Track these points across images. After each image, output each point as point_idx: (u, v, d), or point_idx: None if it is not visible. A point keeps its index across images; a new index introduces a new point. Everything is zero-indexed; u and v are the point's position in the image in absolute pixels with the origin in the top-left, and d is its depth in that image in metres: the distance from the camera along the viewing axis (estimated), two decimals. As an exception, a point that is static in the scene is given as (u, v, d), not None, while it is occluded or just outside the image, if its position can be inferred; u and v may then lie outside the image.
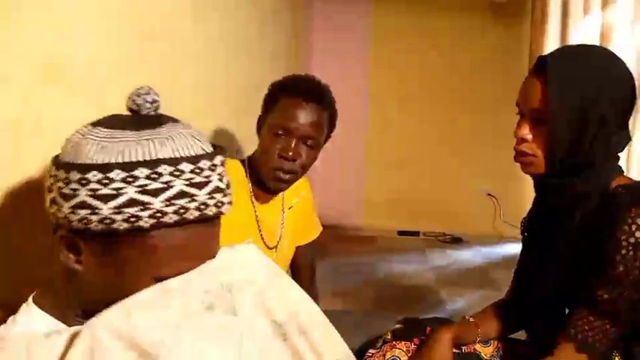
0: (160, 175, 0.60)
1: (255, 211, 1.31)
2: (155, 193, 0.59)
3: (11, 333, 0.64)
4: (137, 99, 0.65)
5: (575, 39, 3.11)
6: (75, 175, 0.59)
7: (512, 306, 1.20)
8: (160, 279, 0.62)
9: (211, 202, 0.64)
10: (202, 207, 0.62)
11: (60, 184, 0.60)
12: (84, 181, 0.59)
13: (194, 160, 0.62)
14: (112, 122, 0.64)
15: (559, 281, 1.03)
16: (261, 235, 1.32)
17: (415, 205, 3.95)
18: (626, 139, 1.00)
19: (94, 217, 0.59)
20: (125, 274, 0.62)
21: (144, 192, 0.59)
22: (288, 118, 1.20)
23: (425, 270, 3.13)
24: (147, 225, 0.60)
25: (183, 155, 0.62)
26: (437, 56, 3.82)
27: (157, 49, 1.30)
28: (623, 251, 0.90)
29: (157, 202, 0.59)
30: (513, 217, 3.21)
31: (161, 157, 0.61)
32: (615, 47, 2.85)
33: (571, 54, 1.00)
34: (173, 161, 0.61)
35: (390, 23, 3.85)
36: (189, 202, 0.61)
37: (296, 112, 1.19)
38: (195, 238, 0.64)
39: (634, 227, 0.89)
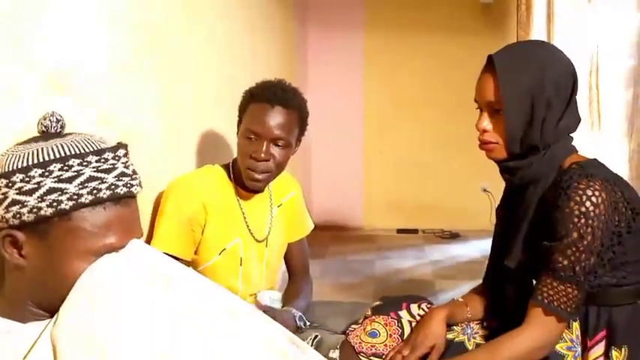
0: (71, 167, 0.74)
1: (241, 209, 1.44)
2: (69, 180, 0.74)
3: None
4: (44, 121, 0.80)
5: (560, 38, 3.21)
6: (2, 182, 0.73)
7: (488, 285, 1.31)
8: (89, 253, 0.75)
9: (120, 183, 0.78)
10: (113, 187, 0.77)
11: None
12: (10, 184, 0.73)
13: (99, 152, 0.77)
14: (26, 141, 0.80)
15: (525, 254, 1.13)
16: (249, 229, 1.45)
17: (413, 203, 4.06)
18: (575, 120, 1.13)
19: (25, 210, 0.72)
20: (61, 253, 0.75)
21: (59, 181, 0.73)
22: (256, 122, 1.31)
23: (422, 265, 3.24)
24: (67, 207, 0.73)
25: (88, 150, 0.77)
26: (429, 58, 3.93)
27: (150, 60, 1.41)
28: (576, 219, 1.01)
29: (72, 187, 0.74)
30: (507, 211, 3.29)
31: (69, 153, 0.75)
32: (602, 46, 2.92)
33: (515, 49, 1.13)
34: (80, 155, 0.76)
35: (382, 27, 3.96)
36: (100, 183, 0.75)
37: (263, 116, 1.31)
38: (114, 216, 0.77)
39: (584, 198, 1.00)
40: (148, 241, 1.35)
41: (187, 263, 1.36)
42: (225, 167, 1.45)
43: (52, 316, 0.78)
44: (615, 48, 2.87)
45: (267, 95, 1.33)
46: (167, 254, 1.21)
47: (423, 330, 1.22)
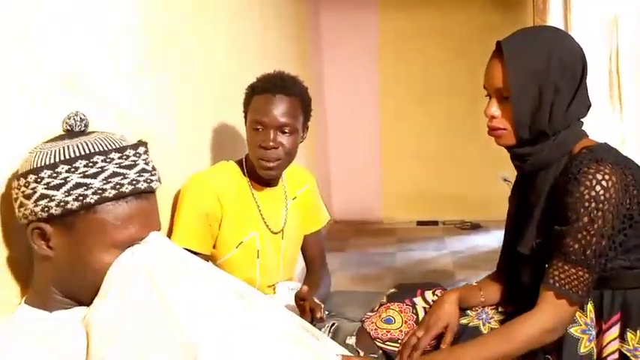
0: (95, 163, 0.80)
1: (256, 202, 1.47)
2: (94, 175, 0.79)
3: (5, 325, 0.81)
4: (69, 120, 0.86)
5: (578, 23, 3.16)
6: (31, 178, 0.78)
7: (503, 271, 1.32)
8: (113, 245, 0.80)
9: (141, 179, 0.83)
10: (134, 182, 0.82)
11: (22, 189, 0.79)
12: (39, 179, 0.78)
13: (121, 150, 0.83)
14: (52, 139, 0.85)
15: (538, 239, 1.13)
16: (265, 222, 1.48)
17: (433, 195, 4.04)
18: (586, 105, 1.13)
19: (52, 204, 0.77)
20: (86, 244, 0.80)
21: (85, 176, 0.78)
22: (261, 112, 1.36)
23: (443, 255, 3.24)
24: (92, 201, 0.78)
25: (111, 148, 0.82)
26: (446, 47, 3.90)
27: (164, 60, 1.45)
28: (586, 204, 1.01)
29: (97, 182, 0.79)
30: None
31: (94, 151, 0.80)
32: (622, 32, 2.87)
33: (522, 35, 1.13)
34: (104, 152, 0.81)
35: (397, 17, 3.95)
36: (122, 179, 0.81)
37: (266, 106, 1.35)
38: (135, 209, 0.82)
39: (594, 182, 1.01)
40: (168, 237, 1.39)
41: (206, 257, 1.40)
42: (239, 163, 1.49)
43: (77, 305, 0.82)
44: (636, 32, 2.81)
45: (267, 86, 1.38)
46: (187, 249, 1.26)
47: (435, 311, 1.25)
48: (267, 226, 1.49)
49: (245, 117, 1.45)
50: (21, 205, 0.80)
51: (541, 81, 1.06)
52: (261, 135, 1.36)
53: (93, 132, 0.86)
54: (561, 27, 3.24)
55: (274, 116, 1.35)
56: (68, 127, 0.86)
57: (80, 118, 0.86)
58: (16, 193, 0.80)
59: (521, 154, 1.14)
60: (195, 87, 1.66)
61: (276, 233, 1.51)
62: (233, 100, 1.90)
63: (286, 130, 1.37)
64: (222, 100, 1.87)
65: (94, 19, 1.14)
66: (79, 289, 0.82)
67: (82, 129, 0.86)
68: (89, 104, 1.11)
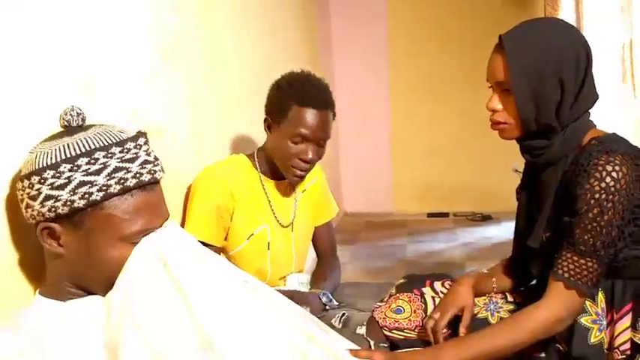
0: (97, 159, 0.79)
1: (266, 196, 1.49)
2: (97, 172, 0.78)
3: (17, 316, 0.83)
4: (65, 116, 0.85)
5: (589, 15, 3.11)
6: (35, 179, 0.78)
7: (515, 262, 1.32)
8: (123, 238, 0.81)
9: (144, 170, 0.83)
10: (138, 175, 0.82)
11: (27, 190, 0.79)
12: (42, 180, 0.78)
13: (121, 143, 0.82)
14: (51, 137, 0.84)
15: (548, 233, 1.13)
16: (275, 215, 1.50)
17: (443, 187, 4.03)
18: (593, 96, 1.11)
19: (59, 204, 0.77)
20: (96, 240, 0.80)
21: (88, 174, 0.78)
22: (305, 127, 1.34)
23: (454, 247, 3.23)
24: (98, 197, 0.78)
25: (111, 142, 0.81)
26: (455, 37, 3.87)
27: (176, 60, 1.47)
28: (597, 195, 1.01)
29: (100, 179, 0.78)
30: (539, 191, 3.24)
31: (94, 147, 0.80)
32: (636, 21, 2.82)
33: (524, 28, 1.11)
34: (105, 147, 0.80)
35: (406, 10, 3.93)
36: (126, 173, 0.80)
37: (311, 121, 1.35)
38: (142, 201, 0.82)
39: (604, 173, 1.00)
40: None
41: (218, 249, 1.42)
42: (250, 157, 1.51)
43: (89, 294, 0.85)
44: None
45: (311, 100, 1.36)
46: (199, 242, 1.28)
47: (451, 294, 1.26)
48: (277, 219, 1.50)
49: (275, 120, 1.40)
50: (27, 206, 0.80)
51: (542, 73, 1.05)
52: (301, 147, 1.36)
53: (91, 126, 0.86)
54: (573, 17, 3.20)
55: (319, 132, 1.36)
56: (66, 123, 0.85)
57: (77, 112, 0.85)
58: (21, 195, 0.80)
59: (531, 146, 1.13)
60: (207, 86, 1.68)
61: (285, 227, 1.53)
62: (244, 97, 1.93)
63: (322, 143, 1.39)
64: (233, 98, 1.88)
65: (108, 20, 1.16)
66: (93, 283, 0.84)
67: (80, 123, 0.85)
68: (103, 104, 1.12)
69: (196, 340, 0.74)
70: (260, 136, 1.54)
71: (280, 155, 1.40)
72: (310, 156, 1.36)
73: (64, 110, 0.85)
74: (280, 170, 1.43)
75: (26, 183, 0.79)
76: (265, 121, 1.44)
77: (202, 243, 1.26)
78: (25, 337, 0.79)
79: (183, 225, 1.42)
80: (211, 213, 1.39)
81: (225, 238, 1.46)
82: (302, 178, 1.42)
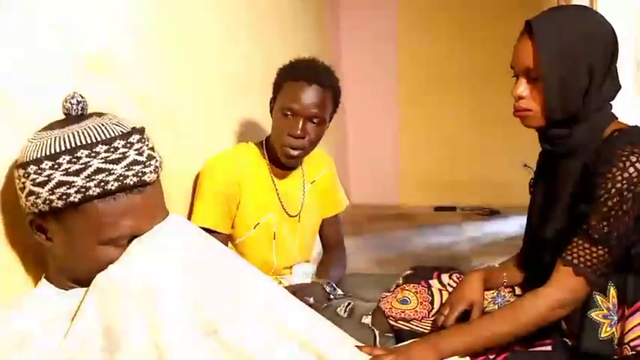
0: (79, 158, 0.74)
1: (274, 185, 1.48)
2: (76, 173, 0.74)
3: (25, 297, 0.84)
4: (65, 104, 0.82)
5: (603, 10, 3.08)
6: (21, 172, 0.77)
7: (526, 256, 1.31)
8: (104, 242, 0.77)
9: (130, 173, 0.77)
10: (121, 178, 0.76)
11: (16, 181, 0.78)
12: (26, 175, 0.76)
13: (108, 141, 0.76)
14: (48, 126, 0.81)
15: (565, 224, 1.11)
16: (282, 205, 1.49)
17: (450, 180, 4.00)
18: (616, 87, 1.09)
19: (39, 201, 0.75)
20: (79, 240, 0.78)
21: (67, 174, 0.74)
22: (293, 100, 1.34)
23: (460, 241, 3.22)
24: (76, 199, 0.74)
25: (98, 139, 0.76)
26: (463, 29, 3.82)
27: (187, 45, 1.46)
28: (618, 184, 0.99)
29: (79, 180, 0.74)
30: (548, 186, 3.22)
31: (79, 144, 0.75)
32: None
33: (554, 14, 1.09)
34: (89, 145, 0.75)
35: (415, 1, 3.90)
36: (107, 175, 0.75)
37: (300, 94, 1.34)
38: (126, 205, 0.77)
39: (628, 164, 0.99)
40: (188, 217, 1.41)
41: (225, 237, 1.42)
42: (259, 145, 1.50)
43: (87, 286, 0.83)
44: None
45: (302, 73, 1.36)
46: (207, 228, 1.28)
47: (459, 289, 1.24)
48: (285, 209, 1.49)
49: (273, 99, 1.44)
50: (19, 196, 0.79)
51: (574, 60, 1.03)
52: (290, 122, 1.35)
53: (90, 115, 0.82)
54: (585, 5, 3.17)
55: (307, 106, 1.34)
56: (65, 112, 0.82)
57: (77, 100, 0.81)
58: (16, 184, 0.79)
59: (553, 135, 1.11)
60: (217, 73, 1.66)
61: (292, 217, 1.52)
62: (255, 84, 1.92)
63: (315, 121, 1.37)
64: (243, 85, 1.87)
65: (119, 3, 1.15)
66: (82, 278, 0.81)
67: (79, 112, 0.81)
68: (114, 88, 1.12)
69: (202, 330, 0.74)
70: (270, 124, 1.53)
71: (274, 134, 1.40)
72: (299, 132, 1.34)
73: (65, 97, 0.82)
74: (277, 154, 1.41)
75: (15, 173, 0.79)
76: (269, 105, 1.44)
77: (209, 231, 1.27)
78: (28, 316, 0.78)
79: (191, 212, 1.42)
80: (218, 201, 1.39)
81: (232, 227, 1.45)
82: (293, 158, 1.39)
